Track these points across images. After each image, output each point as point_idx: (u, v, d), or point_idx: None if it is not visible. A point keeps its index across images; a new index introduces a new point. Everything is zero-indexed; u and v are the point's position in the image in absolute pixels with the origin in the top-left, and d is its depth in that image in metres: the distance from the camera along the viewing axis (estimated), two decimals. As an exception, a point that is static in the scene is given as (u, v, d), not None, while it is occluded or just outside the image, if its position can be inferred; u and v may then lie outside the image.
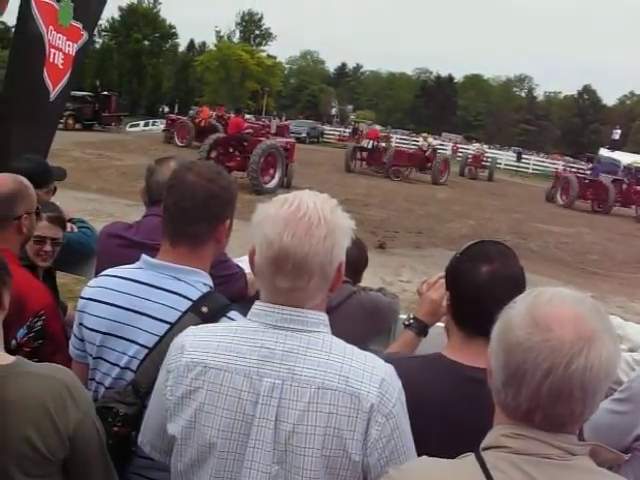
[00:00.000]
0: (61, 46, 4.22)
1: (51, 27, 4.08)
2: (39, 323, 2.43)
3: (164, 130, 32.38)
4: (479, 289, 1.75)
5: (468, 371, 1.72)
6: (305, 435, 1.43)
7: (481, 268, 1.79)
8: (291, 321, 1.50)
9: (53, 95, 4.25)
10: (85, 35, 4.40)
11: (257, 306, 1.55)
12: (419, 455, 1.52)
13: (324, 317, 1.55)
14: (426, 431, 1.62)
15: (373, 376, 1.47)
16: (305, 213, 1.47)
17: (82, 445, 1.71)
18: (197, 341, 1.56)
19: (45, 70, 4.14)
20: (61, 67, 4.25)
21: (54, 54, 4.18)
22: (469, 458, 1.25)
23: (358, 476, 1.46)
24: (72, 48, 4.32)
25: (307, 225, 1.46)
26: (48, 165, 3.67)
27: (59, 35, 4.18)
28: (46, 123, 4.42)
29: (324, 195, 1.56)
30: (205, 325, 1.78)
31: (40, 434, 1.63)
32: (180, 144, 29.36)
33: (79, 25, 4.33)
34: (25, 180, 2.69)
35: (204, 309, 1.90)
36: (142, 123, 41.04)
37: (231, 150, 19.19)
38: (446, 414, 1.70)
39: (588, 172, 28.55)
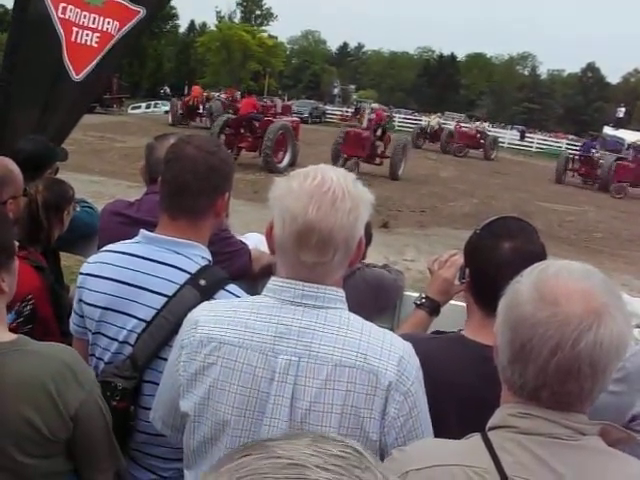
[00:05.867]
0: (93, 25, 3.95)
1: (70, 6, 3.87)
2: (28, 307, 2.38)
3: (181, 113, 30.24)
4: (501, 266, 1.68)
5: (488, 351, 1.66)
6: (322, 413, 1.40)
7: (503, 244, 1.73)
8: (308, 297, 1.46)
9: (81, 76, 3.97)
10: (142, 12, 4.03)
11: (273, 282, 1.51)
12: (437, 435, 1.49)
13: (342, 293, 1.51)
14: (445, 411, 1.59)
15: (391, 353, 1.44)
16: (330, 187, 1.43)
17: (86, 425, 1.68)
18: (211, 316, 1.52)
19: (65, 52, 3.92)
20: (95, 46, 3.98)
21: (77, 33, 3.93)
22: (475, 438, 1.21)
23: (375, 455, 1.42)
24: (112, 26, 4.00)
25: (332, 199, 1.42)
26: (51, 146, 3.62)
27: (85, 13, 3.93)
28: (67, 107, 4.13)
29: (341, 169, 1.53)
30: (219, 300, 1.77)
31: (40, 415, 1.60)
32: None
33: (126, 2, 3.99)
34: (10, 164, 2.64)
35: (202, 282, 1.88)
36: (144, 105, 40.72)
37: (242, 131, 19.17)
38: (465, 394, 1.66)
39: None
